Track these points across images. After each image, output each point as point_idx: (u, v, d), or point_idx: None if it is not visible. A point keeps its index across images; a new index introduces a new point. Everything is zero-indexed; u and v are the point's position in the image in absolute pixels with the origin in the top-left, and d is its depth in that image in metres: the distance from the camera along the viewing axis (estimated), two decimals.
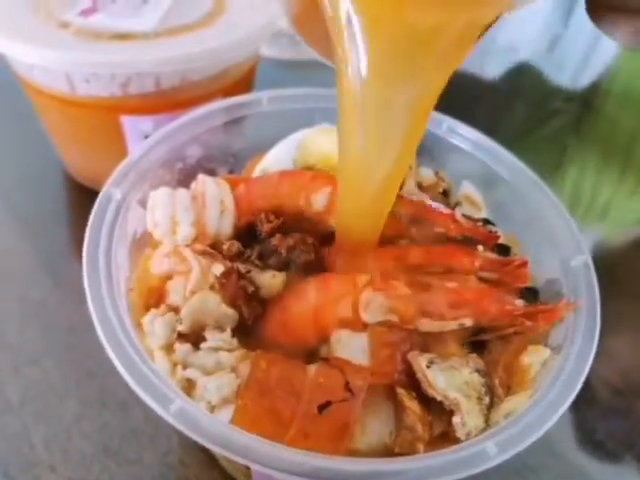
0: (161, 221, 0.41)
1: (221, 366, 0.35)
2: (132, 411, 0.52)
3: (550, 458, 0.50)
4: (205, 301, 0.37)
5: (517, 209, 0.51)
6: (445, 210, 0.46)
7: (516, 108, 0.90)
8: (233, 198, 0.45)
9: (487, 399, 0.37)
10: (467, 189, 0.51)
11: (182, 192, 0.43)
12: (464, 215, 0.46)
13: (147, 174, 0.46)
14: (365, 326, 0.38)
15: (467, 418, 0.35)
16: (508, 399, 0.37)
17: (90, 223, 0.40)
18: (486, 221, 0.46)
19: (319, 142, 0.49)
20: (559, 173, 0.73)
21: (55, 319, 0.57)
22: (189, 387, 0.35)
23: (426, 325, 0.38)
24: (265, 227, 0.41)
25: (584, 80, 0.98)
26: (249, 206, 0.46)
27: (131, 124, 0.62)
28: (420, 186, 0.51)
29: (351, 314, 0.39)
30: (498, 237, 0.45)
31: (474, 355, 0.39)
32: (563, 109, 0.87)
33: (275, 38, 1.00)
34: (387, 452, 0.35)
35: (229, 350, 0.35)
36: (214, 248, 0.42)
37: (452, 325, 0.39)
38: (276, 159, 0.50)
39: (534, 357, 0.39)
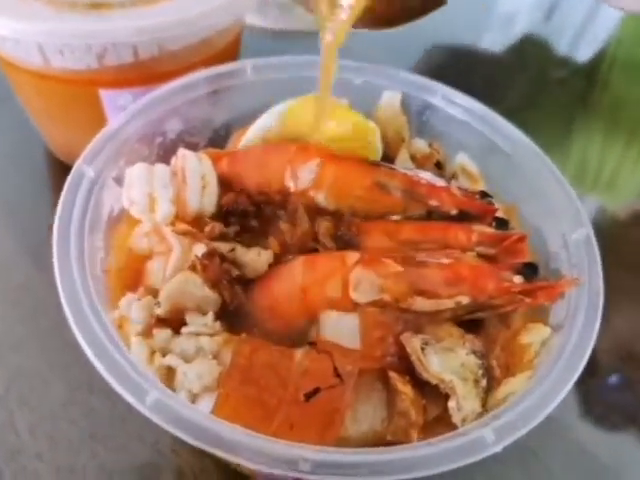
0: (138, 198, 0.39)
1: (202, 352, 0.33)
2: (121, 396, 0.50)
3: (551, 437, 0.49)
4: (185, 283, 0.35)
5: (516, 182, 0.48)
6: (439, 182, 0.43)
7: (517, 80, 0.87)
8: (216, 173, 0.43)
9: (484, 382, 0.35)
10: (463, 160, 0.49)
11: (161, 168, 0.41)
12: (460, 188, 0.43)
13: (123, 149, 0.44)
14: (355, 307, 0.36)
15: (463, 402, 0.33)
16: (506, 381, 0.36)
17: (61, 203, 0.38)
18: (483, 194, 0.43)
19: (306, 112, 0.47)
20: (564, 145, 0.71)
21: (39, 303, 0.55)
22: (168, 375, 0.33)
23: (420, 304, 0.36)
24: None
25: (584, 48, 0.95)
26: (233, 182, 0.43)
27: (109, 98, 0.59)
28: (413, 158, 0.48)
29: (340, 294, 0.37)
30: (495, 210, 0.43)
31: (471, 336, 0.37)
32: (567, 80, 0.84)
33: (265, 8, 0.96)
34: (379, 439, 0.33)
35: (211, 335, 0.33)
36: (196, 226, 0.40)
37: (448, 303, 0.37)
38: (261, 131, 0.47)
39: (534, 336, 0.37)
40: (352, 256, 0.38)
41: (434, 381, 0.34)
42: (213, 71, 0.51)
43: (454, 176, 0.49)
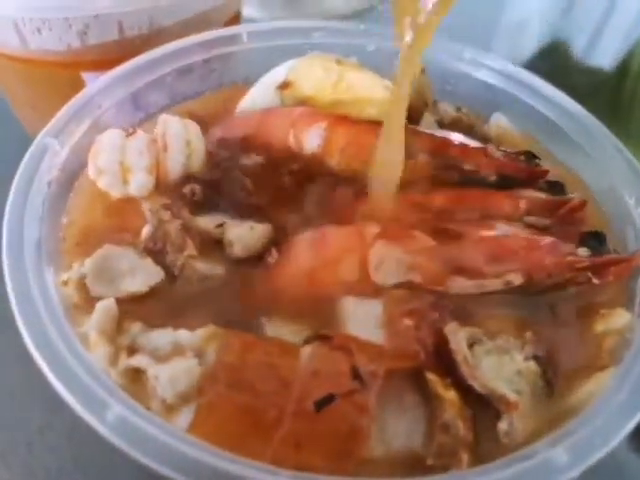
0: (107, 167, 0.32)
1: (180, 349, 0.25)
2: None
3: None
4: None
5: (567, 149, 0.40)
6: (474, 143, 0.36)
7: None
8: (204, 141, 0.36)
9: (544, 396, 0.27)
10: (500, 121, 0.41)
11: (138, 134, 0.34)
12: (499, 149, 0.36)
13: (96, 125, 0.37)
14: (378, 291, 0.29)
15: (517, 422, 0.25)
16: (578, 384, 0.27)
17: (18, 175, 0.31)
18: (529, 154, 0.36)
19: (312, 71, 0.40)
20: None
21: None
22: (135, 381, 0.25)
23: (460, 285, 0.29)
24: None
25: (603, 49, 0.88)
26: (225, 150, 0.36)
27: None
28: (441, 124, 0.40)
29: (358, 276, 0.29)
30: (546, 172, 0.35)
31: (529, 333, 0.28)
32: (596, 92, 0.77)
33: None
34: (416, 463, 0.24)
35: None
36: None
37: (495, 284, 0.29)
38: (259, 97, 0.40)
39: (609, 323, 0.29)
40: (371, 229, 0.30)
41: (482, 391, 0.26)
42: (204, 37, 0.44)
43: (488, 142, 0.40)
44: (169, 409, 0.24)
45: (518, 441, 0.25)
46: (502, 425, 0.25)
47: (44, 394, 0.46)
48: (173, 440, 0.22)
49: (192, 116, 0.38)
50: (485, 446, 0.25)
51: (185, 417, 0.24)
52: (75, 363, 0.24)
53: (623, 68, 0.81)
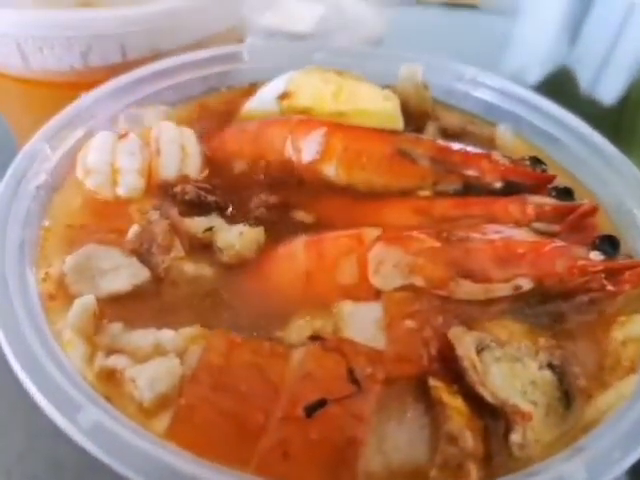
0: (96, 166, 0.31)
1: (162, 350, 0.23)
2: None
3: None
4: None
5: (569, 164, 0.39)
6: (476, 150, 0.34)
7: None
8: (200, 148, 0.35)
9: (561, 408, 0.24)
10: (505, 134, 0.40)
11: (130, 137, 0.33)
12: (504, 155, 0.34)
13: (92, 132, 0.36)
14: (377, 295, 0.27)
15: (531, 435, 0.23)
16: (598, 394, 0.25)
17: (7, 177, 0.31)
18: (534, 159, 0.34)
19: (312, 83, 0.39)
20: None
21: None
22: (112, 383, 0.23)
23: (466, 289, 0.27)
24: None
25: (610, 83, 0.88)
26: (223, 159, 0.35)
27: None
28: (444, 133, 0.39)
29: (357, 279, 0.27)
30: (553, 178, 0.33)
31: (543, 340, 0.26)
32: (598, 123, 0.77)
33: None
34: (419, 477, 0.22)
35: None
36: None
37: (503, 289, 0.27)
38: (258, 107, 0.39)
39: (629, 331, 0.26)
40: (371, 232, 0.28)
41: (492, 400, 0.23)
42: (205, 54, 0.44)
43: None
44: (147, 413, 0.22)
45: (533, 455, 0.22)
46: (515, 437, 0.22)
47: (24, 420, 0.43)
48: (150, 446, 0.20)
49: (190, 124, 0.37)
50: (497, 460, 0.22)
51: (164, 422, 0.22)
52: (49, 362, 0.22)
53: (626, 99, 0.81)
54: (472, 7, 0.89)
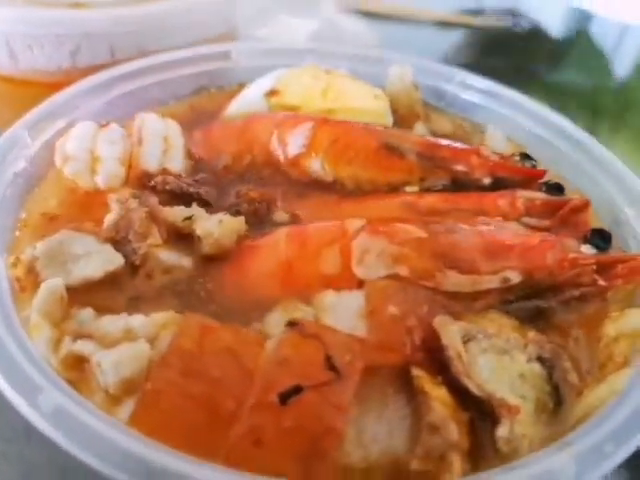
0: (74, 154, 0.30)
1: (132, 336, 0.22)
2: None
3: None
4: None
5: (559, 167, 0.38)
6: (465, 145, 0.34)
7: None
8: (184, 140, 0.34)
9: (551, 403, 0.23)
10: (496, 135, 0.39)
11: (111, 126, 0.32)
12: (493, 151, 0.34)
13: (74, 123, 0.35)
14: (360, 285, 0.26)
15: (518, 430, 0.21)
16: (590, 389, 0.24)
17: None
18: (524, 155, 0.34)
19: (300, 81, 0.39)
20: None
21: None
22: (78, 370, 0.22)
23: (452, 280, 0.26)
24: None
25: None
26: (207, 153, 0.34)
27: None
28: (435, 135, 0.38)
29: (339, 269, 0.26)
30: (543, 173, 0.33)
31: (533, 333, 0.25)
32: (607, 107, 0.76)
33: None
34: (399, 469, 0.20)
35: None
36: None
37: (491, 281, 0.26)
38: (246, 103, 0.39)
39: (621, 325, 0.25)
40: (356, 222, 0.28)
41: (478, 392, 0.22)
42: (194, 52, 0.44)
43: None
44: (113, 400, 0.21)
45: (521, 450, 0.21)
46: (501, 431, 0.21)
47: None
48: (114, 432, 0.19)
49: (176, 117, 0.36)
50: (483, 454, 0.21)
51: (130, 409, 0.20)
52: (13, 345, 0.21)
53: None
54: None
